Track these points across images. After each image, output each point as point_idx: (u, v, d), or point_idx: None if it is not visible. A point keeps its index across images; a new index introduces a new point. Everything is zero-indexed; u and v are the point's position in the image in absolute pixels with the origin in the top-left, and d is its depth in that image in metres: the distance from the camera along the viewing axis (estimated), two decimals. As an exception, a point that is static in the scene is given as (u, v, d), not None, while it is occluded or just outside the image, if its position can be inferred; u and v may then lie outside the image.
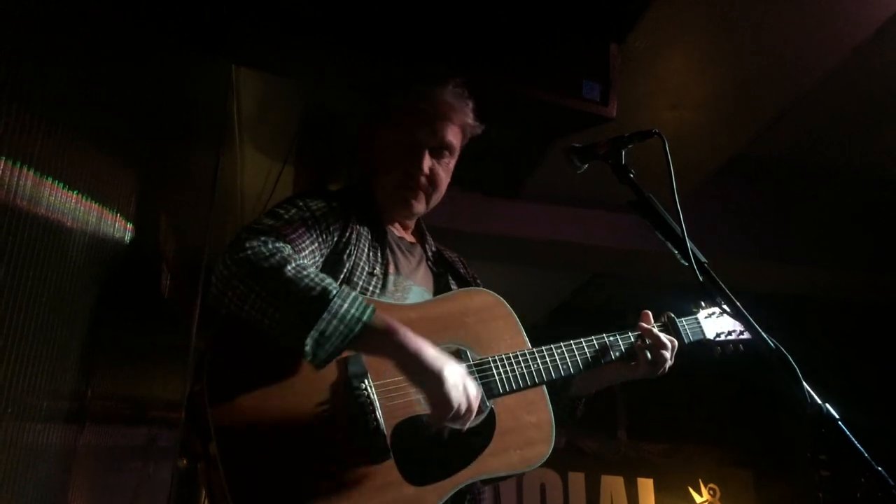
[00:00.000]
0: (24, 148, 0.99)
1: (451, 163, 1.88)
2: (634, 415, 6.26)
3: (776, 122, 3.59)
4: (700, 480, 6.22)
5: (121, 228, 1.64)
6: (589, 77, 2.65)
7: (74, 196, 1.24)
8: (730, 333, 2.03)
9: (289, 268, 1.38)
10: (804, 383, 1.28)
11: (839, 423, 1.23)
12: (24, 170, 0.99)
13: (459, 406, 1.42)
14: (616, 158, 1.64)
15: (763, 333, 1.41)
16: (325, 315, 1.34)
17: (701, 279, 1.45)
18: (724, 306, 1.43)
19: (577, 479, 6.04)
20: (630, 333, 1.87)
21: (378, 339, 1.41)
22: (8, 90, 0.94)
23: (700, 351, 1.98)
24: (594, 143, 1.69)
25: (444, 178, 1.87)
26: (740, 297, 1.43)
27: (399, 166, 1.81)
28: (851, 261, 4.63)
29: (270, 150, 4.16)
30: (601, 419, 6.17)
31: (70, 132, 1.20)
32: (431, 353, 1.42)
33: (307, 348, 1.33)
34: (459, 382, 1.43)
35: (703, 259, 1.48)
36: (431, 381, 1.41)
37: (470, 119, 1.86)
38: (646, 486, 6.14)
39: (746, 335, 2.01)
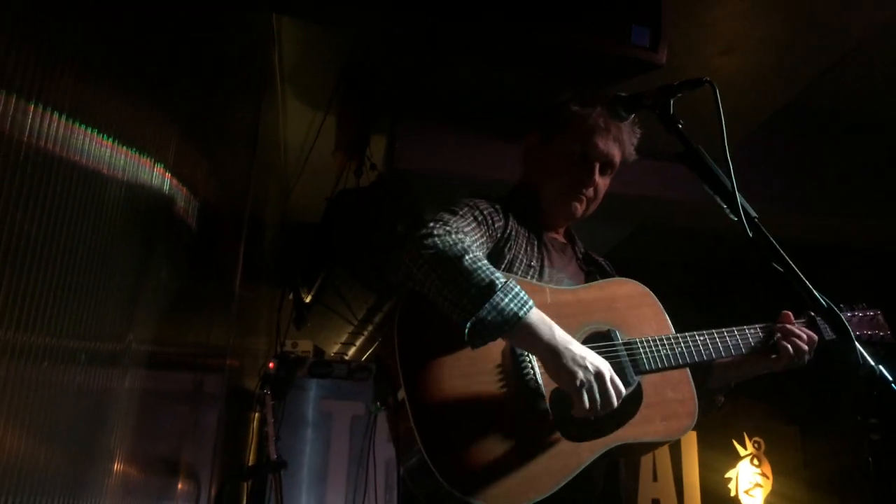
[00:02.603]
0: (55, 94, 0.98)
1: (608, 181, 2.05)
2: (678, 368, 6.22)
3: (831, 69, 3.43)
4: (745, 434, 6.17)
5: (160, 177, 1.64)
6: (638, 21, 2.55)
7: (109, 143, 1.23)
8: (870, 335, 2.07)
9: (467, 258, 1.59)
10: (857, 344, 1.23)
11: (893, 385, 1.18)
12: (55, 116, 0.98)
13: (596, 405, 1.58)
14: (664, 108, 1.58)
15: (815, 291, 1.35)
16: (487, 306, 1.52)
17: (751, 234, 1.39)
18: (774, 263, 1.37)
19: (619, 431, 6.05)
20: (771, 326, 1.96)
21: (528, 335, 1.57)
22: (36, 33, 0.92)
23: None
24: (641, 91, 1.63)
25: (602, 192, 2.05)
26: (790, 253, 1.37)
27: (569, 175, 1.99)
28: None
29: (312, 100, 4.14)
30: (707, 397, 6.13)
31: (103, 79, 1.19)
32: (570, 356, 1.57)
33: (467, 330, 1.53)
34: (594, 382, 1.57)
35: (753, 214, 1.42)
36: (565, 382, 1.58)
37: (632, 148, 2.04)
38: (689, 438, 6.10)
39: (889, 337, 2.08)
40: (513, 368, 1.68)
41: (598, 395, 1.57)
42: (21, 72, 0.88)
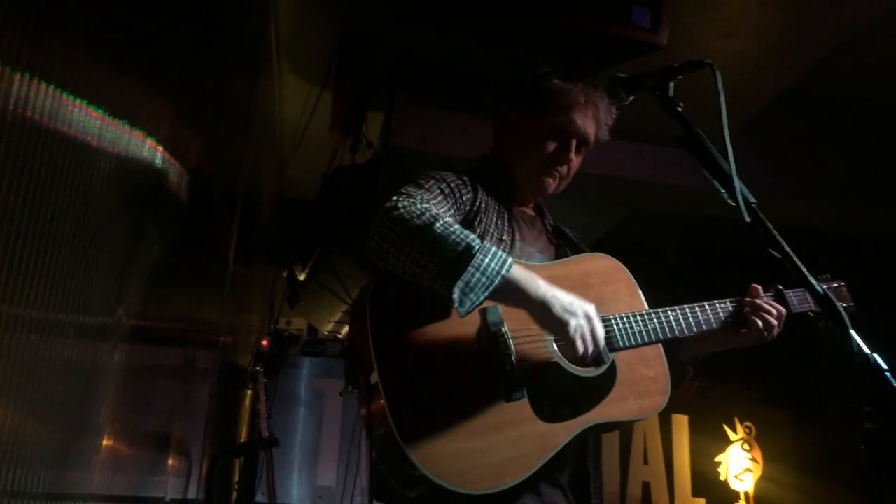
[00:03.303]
0: (42, 63, 0.96)
1: (581, 159, 2.02)
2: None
3: (832, 53, 3.40)
4: (736, 419, 6.20)
5: (151, 150, 1.62)
6: (639, 2, 2.52)
7: (100, 115, 1.21)
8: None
9: (438, 224, 1.57)
10: (852, 332, 1.23)
11: (886, 374, 1.17)
12: (42, 85, 0.96)
13: (590, 345, 1.61)
14: (664, 90, 1.56)
15: (811, 279, 1.34)
16: (470, 268, 1.50)
17: (748, 219, 1.38)
18: (771, 249, 1.36)
19: (611, 414, 6.07)
20: (741, 300, 1.97)
21: (515, 291, 1.57)
22: (22, 1, 0.90)
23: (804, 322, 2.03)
24: (641, 73, 1.61)
25: (574, 170, 2.02)
26: (789, 238, 1.36)
27: (545, 150, 1.95)
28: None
29: (308, 74, 4.10)
30: (678, 370, 6.14)
31: (94, 49, 1.17)
32: (559, 305, 1.58)
33: (455, 296, 1.50)
34: (585, 325, 1.60)
35: (751, 199, 1.41)
36: (559, 331, 1.60)
37: (607, 129, 2.01)
38: (680, 422, 6.14)
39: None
40: (489, 349, 1.67)
41: (589, 337, 1.60)
42: (7, 39, 0.86)
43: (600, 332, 1.63)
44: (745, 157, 3.97)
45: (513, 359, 1.66)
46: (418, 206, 1.63)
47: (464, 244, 1.53)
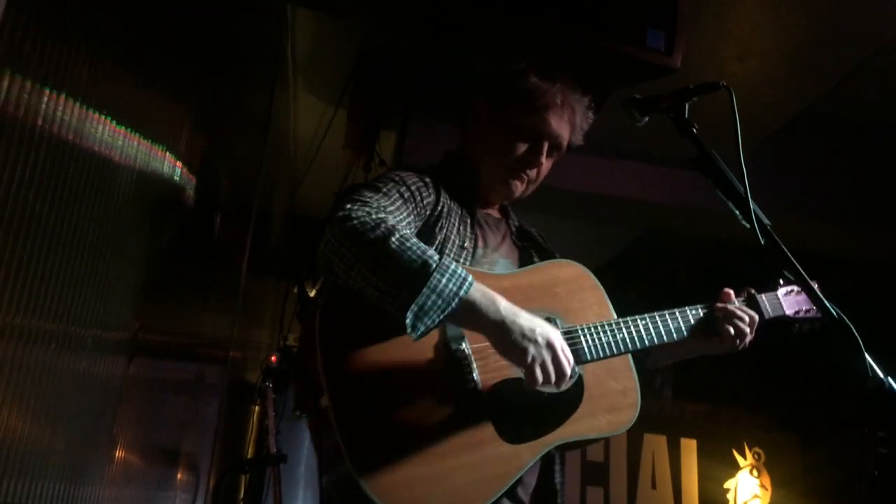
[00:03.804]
0: (69, 79, 0.98)
1: (550, 164, 1.92)
2: (680, 374, 6.19)
3: (849, 76, 3.40)
4: (745, 443, 6.14)
5: (171, 165, 1.64)
6: (654, 25, 2.53)
7: (123, 131, 1.22)
8: (808, 311, 1.98)
9: (393, 239, 1.44)
10: (866, 355, 1.22)
11: (902, 398, 1.17)
12: (69, 101, 0.97)
13: (550, 378, 1.49)
14: (679, 112, 1.56)
15: (825, 302, 1.34)
16: (425, 290, 1.39)
17: (763, 242, 1.38)
18: (786, 272, 1.36)
19: (619, 436, 6.02)
20: (712, 307, 1.89)
21: (471, 314, 1.46)
22: (53, 20, 0.92)
23: (776, 328, 1.98)
24: (656, 95, 1.61)
25: (543, 176, 1.92)
26: (804, 262, 1.36)
27: (515, 151, 1.84)
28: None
29: (323, 92, 4.14)
30: (645, 378, 6.11)
31: (117, 66, 1.19)
32: (518, 331, 1.47)
33: (408, 321, 1.39)
34: (546, 355, 1.49)
35: (766, 221, 1.41)
36: (516, 359, 1.49)
37: (581, 134, 1.91)
38: (689, 447, 6.08)
39: (811, 314, 1.99)
40: (449, 366, 1.56)
41: (551, 368, 1.49)
42: (36, 57, 0.87)
43: (563, 361, 1.51)
44: (759, 178, 3.98)
45: (474, 376, 1.56)
46: (373, 216, 1.49)
47: (419, 262, 1.42)
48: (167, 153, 1.58)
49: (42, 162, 0.91)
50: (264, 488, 3.90)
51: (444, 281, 1.41)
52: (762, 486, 6.05)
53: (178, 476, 2.38)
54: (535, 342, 1.47)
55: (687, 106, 1.56)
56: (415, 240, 1.47)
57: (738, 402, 6.19)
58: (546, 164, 1.88)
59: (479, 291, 1.46)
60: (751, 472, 6.07)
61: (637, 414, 1.75)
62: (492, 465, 1.53)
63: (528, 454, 1.58)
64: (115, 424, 1.49)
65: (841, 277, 2.34)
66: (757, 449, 6.14)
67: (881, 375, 1.23)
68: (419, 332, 1.40)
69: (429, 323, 1.40)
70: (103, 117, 1.13)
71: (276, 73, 3.40)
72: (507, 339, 1.47)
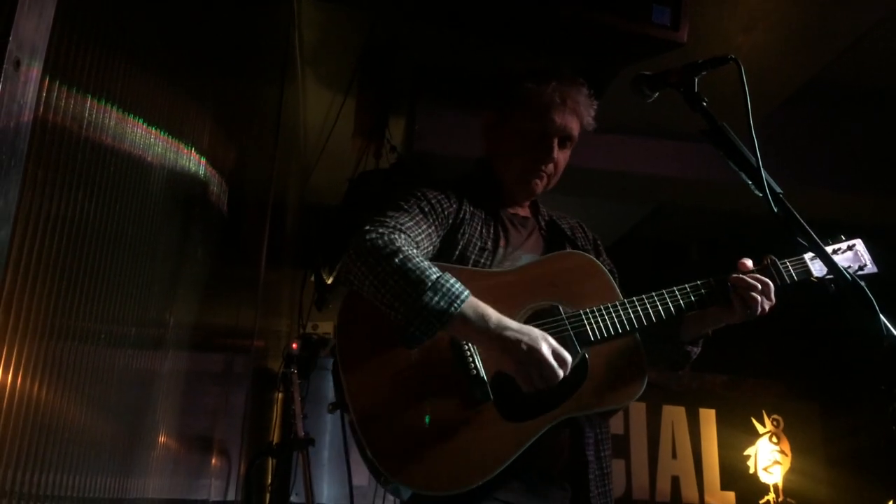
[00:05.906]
0: (108, 86, 1.02)
1: (568, 153, 2.02)
2: (696, 346, 6.20)
3: (853, 45, 3.40)
4: (763, 412, 6.19)
5: (196, 163, 1.69)
6: (659, 0, 2.55)
7: (154, 132, 1.27)
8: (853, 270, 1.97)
9: (396, 259, 1.61)
10: (881, 315, 1.26)
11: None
12: (108, 107, 1.02)
13: (540, 382, 1.61)
14: (688, 86, 1.59)
15: (838, 265, 1.38)
16: (419, 306, 1.56)
17: (775, 210, 1.42)
18: (800, 238, 1.40)
19: (639, 409, 6.07)
20: (726, 279, 1.91)
21: (462, 328, 1.61)
22: (91, 34, 0.96)
23: (812, 289, 1.95)
24: (666, 70, 1.64)
25: (563, 166, 2.03)
26: (816, 229, 1.40)
27: (529, 152, 1.96)
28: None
29: (331, 82, 4.16)
30: (682, 351, 6.12)
31: (147, 71, 1.23)
32: (506, 343, 1.61)
33: (404, 334, 1.58)
34: (530, 363, 1.60)
35: (778, 189, 1.44)
36: (508, 368, 1.64)
37: (591, 118, 2.00)
38: (708, 417, 6.14)
39: (866, 270, 2.00)
40: (455, 356, 1.69)
41: (538, 374, 1.60)
42: (79, 67, 0.92)
43: (550, 367, 1.60)
44: (769, 148, 3.98)
45: (477, 362, 1.68)
46: (385, 237, 1.67)
47: (416, 280, 1.58)
48: (192, 151, 1.63)
49: (88, 164, 0.96)
50: (292, 473, 3.98)
51: (436, 298, 1.57)
52: (782, 451, 6.10)
53: (213, 462, 2.44)
54: (521, 350, 1.60)
55: (696, 80, 1.59)
56: (417, 259, 1.63)
57: (756, 373, 6.21)
58: (562, 156, 1.99)
59: (471, 307, 1.61)
60: (770, 438, 6.12)
61: (643, 388, 1.80)
62: (495, 442, 1.66)
63: (532, 429, 1.69)
64: (159, 419, 1.55)
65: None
66: (776, 416, 6.18)
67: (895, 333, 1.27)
68: (410, 346, 1.62)
69: (421, 337, 1.59)
70: (136, 119, 1.17)
71: (286, 65, 3.44)
72: (496, 350, 1.62)
